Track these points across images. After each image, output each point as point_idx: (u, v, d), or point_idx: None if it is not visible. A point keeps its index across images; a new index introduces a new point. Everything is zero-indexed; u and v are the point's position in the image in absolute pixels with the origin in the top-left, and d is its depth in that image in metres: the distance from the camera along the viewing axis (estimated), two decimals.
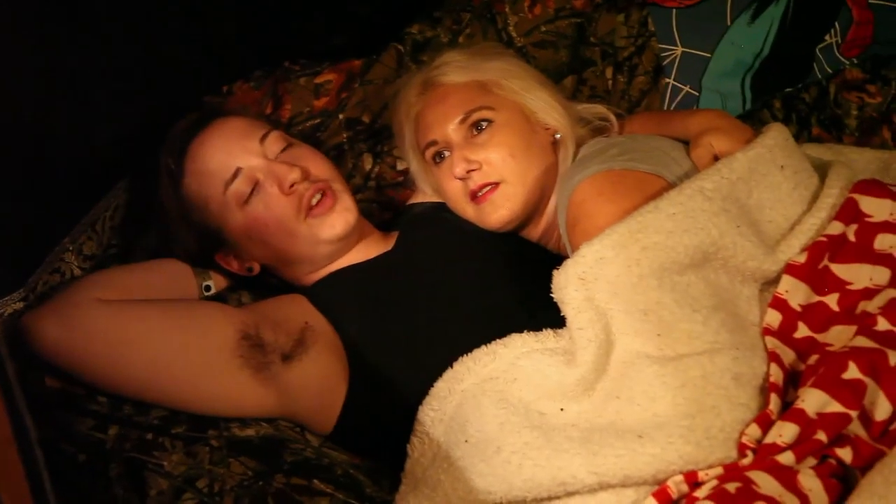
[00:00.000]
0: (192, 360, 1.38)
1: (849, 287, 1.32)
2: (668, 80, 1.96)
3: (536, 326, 1.36)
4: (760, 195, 1.39)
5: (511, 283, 1.50)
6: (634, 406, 1.23)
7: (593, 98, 1.92)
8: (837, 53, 1.95)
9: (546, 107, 1.58)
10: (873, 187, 1.40)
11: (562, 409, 1.28)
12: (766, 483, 1.09)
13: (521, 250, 1.59)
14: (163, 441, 1.34)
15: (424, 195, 1.72)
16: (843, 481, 1.12)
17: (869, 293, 1.30)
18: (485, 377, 1.34)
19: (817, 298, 1.32)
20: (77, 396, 1.36)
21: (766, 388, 1.22)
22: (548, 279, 1.31)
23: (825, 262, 1.35)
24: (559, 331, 1.34)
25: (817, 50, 1.95)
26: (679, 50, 1.95)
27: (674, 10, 1.95)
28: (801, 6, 1.93)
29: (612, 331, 1.28)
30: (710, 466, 1.16)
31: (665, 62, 1.96)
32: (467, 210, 1.57)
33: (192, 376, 1.37)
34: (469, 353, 1.37)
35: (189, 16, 1.71)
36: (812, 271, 1.34)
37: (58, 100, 1.44)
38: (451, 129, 1.55)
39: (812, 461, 1.13)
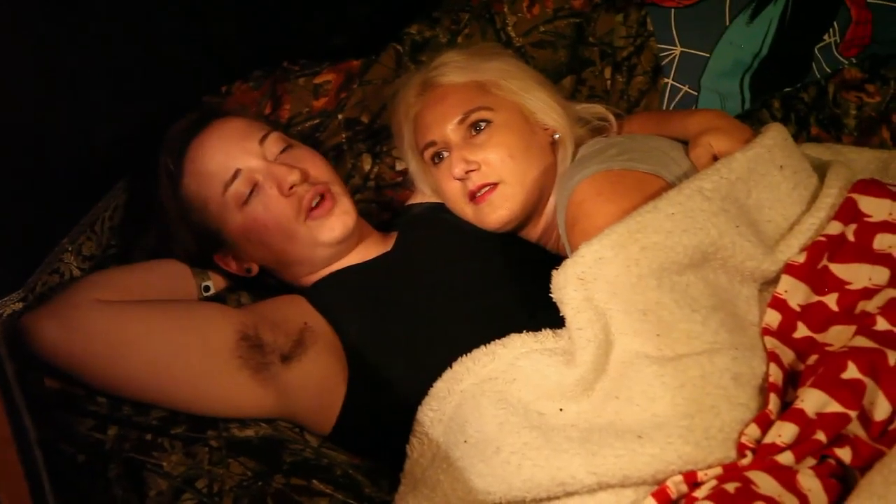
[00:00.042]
0: (192, 360, 1.37)
1: (848, 287, 1.32)
2: (666, 79, 1.96)
3: (535, 327, 1.36)
4: (759, 195, 1.39)
5: (510, 284, 1.50)
6: (633, 406, 1.23)
7: (592, 98, 1.92)
8: (836, 53, 1.95)
9: (545, 107, 1.58)
10: (872, 187, 1.40)
11: (561, 410, 1.28)
12: (765, 483, 1.09)
13: (520, 250, 1.59)
14: (162, 441, 1.34)
15: (423, 195, 1.72)
16: (842, 481, 1.12)
17: (868, 293, 1.30)
18: (484, 377, 1.34)
19: (816, 298, 1.32)
20: (76, 397, 1.36)
21: (765, 388, 1.22)
22: (547, 279, 1.31)
23: (824, 261, 1.35)
24: (558, 331, 1.34)
25: (816, 49, 1.95)
26: (678, 50, 1.95)
27: (672, 10, 1.95)
28: (800, 6, 1.93)
29: (611, 331, 1.28)
30: (710, 466, 1.16)
31: (664, 62, 1.96)
32: (466, 210, 1.57)
33: (192, 377, 1.37)
34: (468, 354, 1.37)
35: (188, 16, 1.71)
36: (811, 271, 1.34)
37: (57, 100, 1.44)
38: (450, 130, 1.55)
39: (811, 461, 1.13)
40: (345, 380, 1.44)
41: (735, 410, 1.19)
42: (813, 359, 1.23)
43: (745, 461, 1.15)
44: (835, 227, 1.37)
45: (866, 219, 1.37)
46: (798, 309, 1.32)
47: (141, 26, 1.60)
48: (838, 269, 1.33)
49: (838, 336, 1.27)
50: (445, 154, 1.56)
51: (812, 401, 1.15)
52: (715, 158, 1.44)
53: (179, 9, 1.69)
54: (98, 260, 1.57)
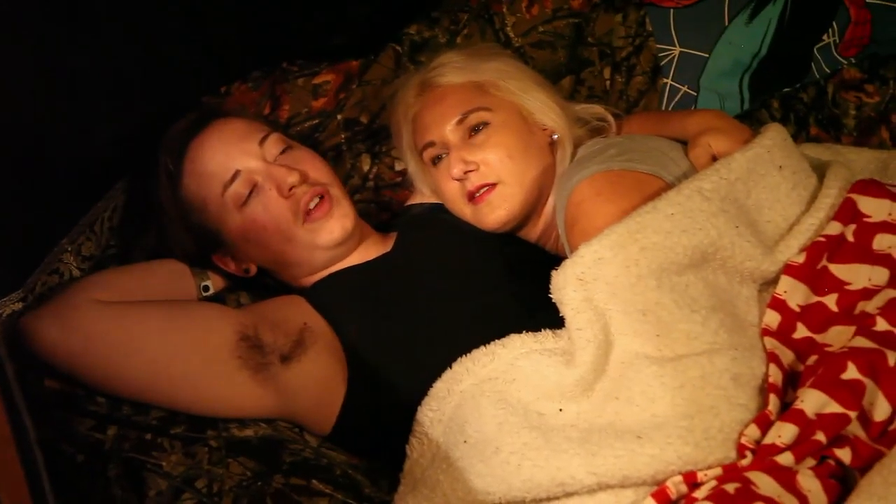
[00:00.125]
0: (191, 361, 1.38)
1: (847, 287, 1.32)
2: (665, 80, 1.96)
3: (535, 327, 1.36)
4: (759, 195, 1.39)
5: (509, 284, 1.50)
6: (633, 406, 1.23)
7: (591, 98, 1.92)
8: (835, 53, 1.95)
9: (543, 107, 1.58)
10: (871, 187, 1.40)
11: (560, 410, 1.28)
12: (765, 484, 1.09)
13: (520, 251, 1.59)
14: (161, 441, 1.34)
15: (423, 196, 1.72)
16: (841, 482, 1.12)
17: (868, 293, 1.30)
18: (483, 378, 1.34)
19: (816, 299, 1.32)
20: (76, 397, 1.36)
21: (764, 389, 1.22)
22: (546, 280, 1.31)
23: (824, 262, 1.35)
24: (558, 331, 1.34)
25: (815, 50, 1.95)
26: (677, 50, 1.95)
27: (671, 10, 1.95)
28: (799, 6, 1.93)
29: (610, 331, 1.28)
30: (709, 467, 1.16)
31: (663, 62, 1.96)
32: (465, 211, 1.57)
33: (191, 377, 1.38)
34: (468, 354, 1.37)
35: (188, 16, 1.71)
36: (811, 272, 1.34)
37: (56, 100, 1.44)
38: (449, 130, 1.55)
39: (811, 462, 1.13)
40: (344, 380, 1.44)
41: (735, 411, 1.19)
42: (812, 359, 1.23)
43: (745, 462, 1.15)
44: (834, 228, 1.37)
45: (866, 219, 1.37)
46: (797, 309, 1.32)
47: (140, 27, 1.60)
48: (838, 270, 1.34)
49: (838, 336, 1.27)
50: (444, 155, 1.56)
51: (812, 401, 1.15)
52: (714, 159, 1.44)
53: (179, 9, 1.69)
54: (97, 260, 1.57)
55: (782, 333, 1.30)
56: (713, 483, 1.13)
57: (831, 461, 1.13)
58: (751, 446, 1.16)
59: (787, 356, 1.27)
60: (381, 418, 1.44)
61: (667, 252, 1.29)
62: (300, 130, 1.81)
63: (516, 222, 1.55)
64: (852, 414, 1.14)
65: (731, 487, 1.08)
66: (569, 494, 1.21)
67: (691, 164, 1.47)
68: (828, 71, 1.96)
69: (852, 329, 1.26)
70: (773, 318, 1.32)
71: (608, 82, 1.95)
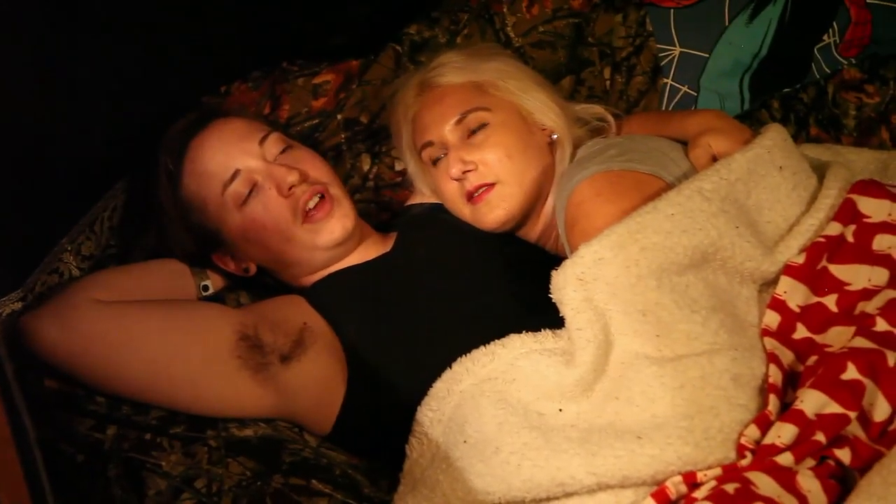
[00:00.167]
0: (191, 361, 1.38)
1: (847, 288, 1.32)
2: (666, 80, 1.96)
3: (535, 327, 1.36)
4: (759, 196, 1.39)
5: (510, 284, 1.50)
6: (633, 407, 1.23)
7: (591, 98, 1.92)
8: (835, 53, 1.95)
9: (543, 107, 1.58)
10: (871, 188, 1.40)
11: (560, 410, 1.28)
12: (764, 484, 1.09)
13: (520, 251, 1.59)
14: (161, 441, 1.34)
15: (423, 196, 1.72)
16: (841, 482, 1.12)
17: (867, 294, 1.30)
18: (483, 378, 1.34)
19: (816, 299, 1.32)
20: (75, 396, 1.36)
21: (764, 389, 1.22)
22: (546, 280, 1.31)
23: (823, 262, 1.35)
24: (558, 331, 1.34)
25: (815, 50, 1.95)
26: (677, 50, 1.95)
27: (672, 10, 1.95)
28: (799, 6, 1.93)
29: (610, 331, 1.28)
30: (709, 467, 1.16)
31: (663, 62, 1.96)
32: (464, 211, 1.57)
33: (191, 377, 1.38)
34: (467, 354, 1.37)
35: (187, 16, 1.71)
36: (810, 272, 1.34)
37: (56, 100, 1.44)
38: (448, 130, 1.55)
39: (811, 462, 1.13)
40: (344, 380, 1.44)
41: (734, 411, 1.19)
42: (812, 360, 1.23)
43: (745, 462, 1.15)
44: (834, 228, 1.37)
45: (865, 219, 1.37)
46: (797, 310, 1.32)
47: (140, 27, 1.60)
48: (837, 270, 1.33)
49: (838, 337, 1.27)
50: (443, 155, 1.56)
51: (811, 402, 1.15)
52: (714, 159, 1.44)
53: (178, 9, 1.69)
54: (97, 260, 1.57)
55: (782, 334, 1.30)
56: (713, 483, 1.13)
57: (831, 461, 1.13)
58: (750, 446, 1.16)
59: (786, 356, 1.27)
60: (380, 418, 1.44)
61: (667, 252, 1.29)
62: (300, 130, 1.81)
63: (515, 222, 1.55)
64: (852, 414, 1.14)
65: (730, 487, 1.08)
66: (569, 494, 1.21)
67: (691, 164, 1.47)
68: (828, 71, 1.96)
69: (852, 329, 1.26)
70: (772, 319, 1.32)
71: (608, 82, 1.95)
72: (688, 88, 1.96)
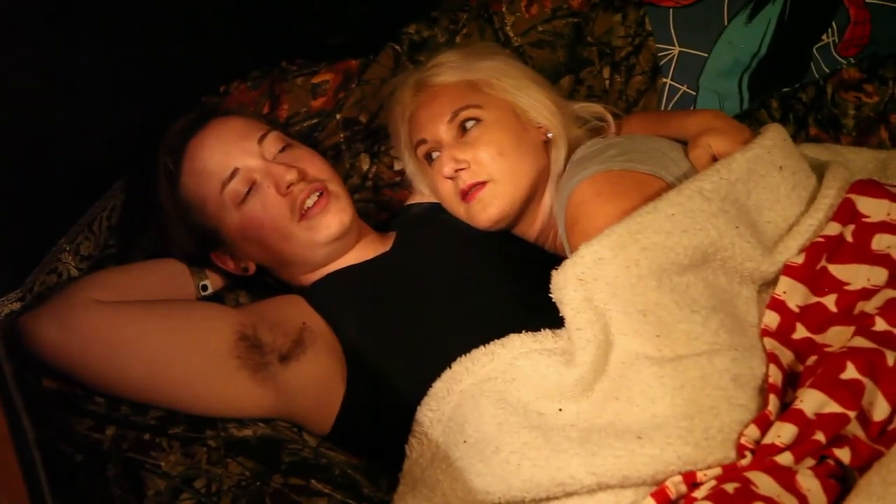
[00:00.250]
0: (190, 361, 1.37)
1: (846, 288, 1.32)
2: (665, 79, 1.96)
3: (535, 327, 1.36)
4: (759, 196, 1.39)
5: (509, 284, 1.50)
6: (633, 407, 1.23)
7: (590, 98, 1.92)
8: (835, 53, 1.95)
9: (538, 105, 1.58)
10: (870, 187, 1.40)
11: (560, 410, 1.28)
12: (764, 483, 1.09)
13: (519, 250, 1.59)
14: (160, 441, 1.34)
15: (422, 196, 1.72)
16: (841, 482, 1.12)
17: (867, 293, 1.30)
18: (483, 377, 1.34)
19: (815, 299, 1.32)
20: (74, 397, 1.36)
21: (764, 389, 1.22)
22: (546, 279, 1.31)
23: (823, 262, 1.35)
24: (558, 331, 1.34)
25: (814, 49, 1.95)
26: (676, 49, 1.95)
27: (671, 10, 1.95)
28: (799, 6, 1.93)
29: (610, 331, 1.28)
30: (709, 467, 1.16)
31: (662, 62, 1.96)
32: (459, 209, 1.57)
33: (190, 377, 1.37)
34: (467, 354, 1.37)
35: (186, 16, 1.71)
36: (810, 272, 1.34)
37: (55, 99, 1.44)
38: (441, 129, 1.55)
39: (810, 462, 1.13)
40: (344, 380, 1.44)
41: (734, 411, 1.19)
42: (812, 359, 1.23)
43: (745, 462, 1.15)
44: (833, 228, 1.37)
45: (864, 219, 1.37)
46: (797, 310, 1.32)
47: (139, 26, 1.60)
48: (837, 270, 1.33)
49: (837, 337, 1.27)
50: (437, 154, 1.56)
51: (811, 401, 1.15)
52: (714, 159, 1.44)
53: (177, 9, 1.69)
54: (96, 260, 1.57)
55: (782, 334, 1.30)
56: (713, 483, 1.13)
57: (830, 461, 1.13)
58: (750, 446, 1.16)
59: (786, 356, 1.27)
60: (380, 418, 1.44)
61: (667, 252, 1.29)
62: (299, 130, 1.81)
63: (509, 220, 1.55)
64: (851, 414, 1.14)
65: (730, 487, 1.08)
66: (568, 494, 1.21)
67: (691, 164, 1.47)
68: (827, 71, 1.96)
69: (851, 329, 1.26)
70: (772, 319, 1.32)
71: (607, 82, 1.95)
72: (687, 88, 1.96)
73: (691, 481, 1.15)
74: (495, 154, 1.51)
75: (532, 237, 1.60)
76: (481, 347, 1.36)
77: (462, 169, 1.52)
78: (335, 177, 1.59)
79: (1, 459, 0.95)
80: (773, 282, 1.36)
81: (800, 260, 1.35)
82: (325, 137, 1.83)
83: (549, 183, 1.57)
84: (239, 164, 1.51)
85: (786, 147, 1.44)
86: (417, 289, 1.50)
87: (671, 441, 1.17)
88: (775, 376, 1.22)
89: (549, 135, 1.58)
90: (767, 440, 1.14)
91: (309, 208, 1.51)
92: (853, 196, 1.39)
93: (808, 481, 1.09)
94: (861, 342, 1.21)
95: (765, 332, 1.30)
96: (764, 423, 1.17)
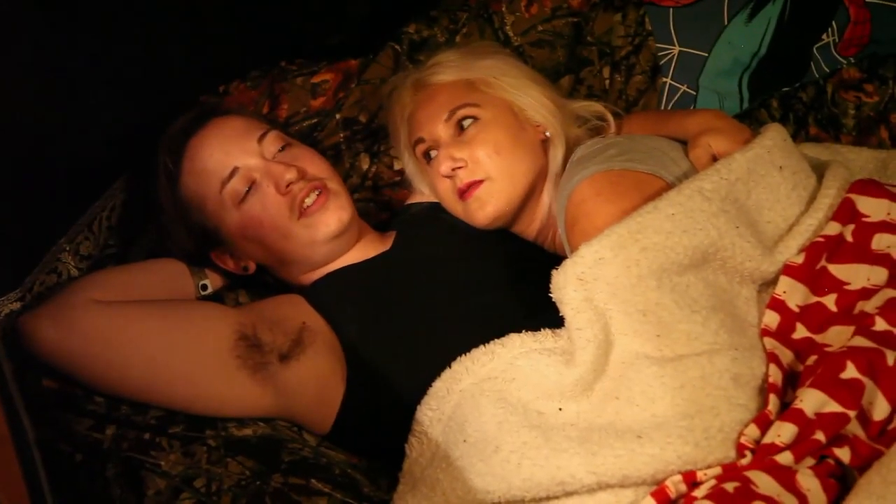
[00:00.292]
0: (190, 360, 1.37)
1: (846, 287, 1.32)
2: (665, 79, 1.96)
3: (535, 326, 1.36)
4: (759, 196, 1.39)
5: (509, 283, 1.50)
6: (633, 406, 1.23)
7: (590, 98, 1.91)
8: (835, 53, 1.95)
9: (536, 104, 1.58)
10: (870, 187, 1.40)
11: (560, 409, 1.28)
12: (764, 483, 1.09)
13: (519, 250, 1.58)
14: (160, 441, 1.34)
15: (422, 195, 1.72)
16: (841, 481, 1.12)
17: (867, 293, 1.30)
18: (483, 377, 1.34)
19: (815, 299, 1.32)
20: (74, 396, 1.36)
21: (764, 389, 1.22)
22: (546, 279, 1.30)
23: (823, 262, 1.35)
24: (558, 331, 1.34)
25: (814, 49, 1.95)
26: (676, 49, 1.95)
27: (671, 10, 1.95)
28: (799, 5, 1.93)
29: (611, 331, 1.28)
30: (709, 466, 1.16)
31: (662, 61, 1.96)
32: (457, 208, 1.57)
33: (190, 377, 1.37)
34: (467, 353, 1.37)
35: (186, 15, 1.71)
36: (810, 272, 1.34)
37: (55, 99, 1.44)
38: (439, 127, 1.55)
39: (810, 461, 1.13)
40: (343, 379, 1.44)
41: (735, 411, 1.19)
42: (812, 359, 1.23)
43: (745, 461, 1.15)
44: (833, 228, 1.37)
45: (864, 219, 1.37)
46: (797, 310, 1.32)
47: (139, 26, 1.60)
48: (837, 270, 1.33)
49: (837, 336, 1.27)
50: (435, 152, 1.56)
51: (811, 401, 1.15)
52: (714, 159, 1.44)
53: (177, 9, 1.69)
54: (96, 259, 1.57)
55: (782, 334, 1.30)
56: (713, 482, 1.13)
57: (830, 460, 1.13)
58: (750, 446, 1.16)
59: (786, 356, 1.27)
60: (380, 417, 1.44)
61: (667, 252, 1.29)
62: (299, 129, 1.81)
63: (506, 218, 1.55)
64: (851, 413, 1.14)
65: (730, 486, 1.08)
66: (568, 493, 1.21)
67: (691, 164, 1.46)
68: (827, 70, 1.96)
69: (851, 329, 1.26)
70: (772, 319, 1.32)
71: (607, 81, 1.95)
72: (687, 88, 1.96)
73: (691, 481, 1.15)
74: (492, 152, 1.51)
75: (531, 236, 1.60)
76: (481, 347, 1.36)
77: (459, 167, 1.52)
78: (335, 175, 1.59)
79: (1, 459, 0.95)
80: (773, 282, 1.36)
81: (800, 260, 1.35)
82: (324, 137, 1.83)
83: (547, 182, 1.57)
84: (238, 163, 1.51)
85: (786, 147, 1.44)
86: (417, 288, 1.50)
87: (671, 440, 1.17)
88: (775, 376, 1.22)
89: (548, 133, 1.58)
90: (767, 440, 1.14)
91: (308, 206, 1.51)
92: (853, 196, 1.39)
93: (807, 481, 1.09)
94: (861, 342, 1.21)
95: (765, 332, 1.30)
96: (764, 423, 1.17)
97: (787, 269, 1.35)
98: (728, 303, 1.32)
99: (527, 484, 1.22)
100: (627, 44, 1.95)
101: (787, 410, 1.17)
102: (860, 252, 1.34)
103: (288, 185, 1.50)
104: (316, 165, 1.56)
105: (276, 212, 1.50)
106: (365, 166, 1.84)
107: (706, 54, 1.94)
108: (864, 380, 1.16)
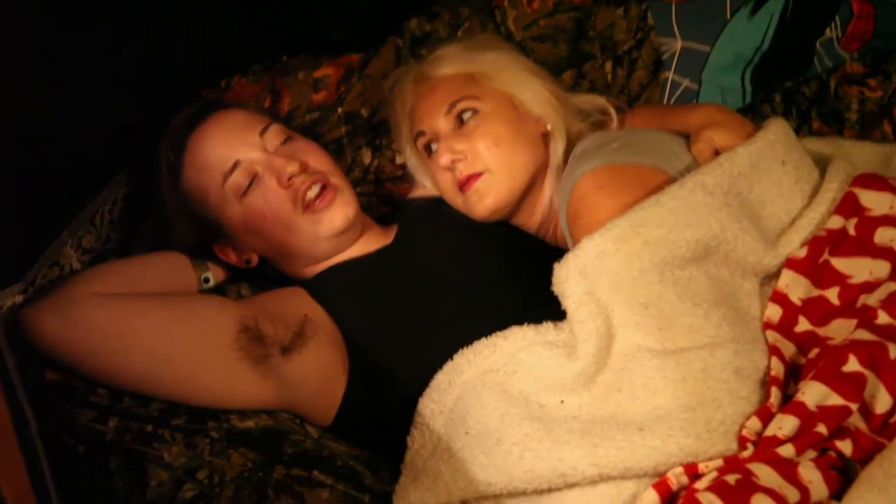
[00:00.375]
0: (192, 353, 1.38)
1: (849, 281, 1.32)
2: (667, 74, 1.96)
3: (537, 319, 1.36)
4: (762, 190, 1.38)
5: (511, 276, 1.50)
6: (635, 399, 1.23)
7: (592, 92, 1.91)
8: (838, 47, 1.95)
9: (536, 97, 1.58)
10: (873, 181, 1.40)
11: (562, 402, 1.28)
12: (766, 475, 1.09)
13: (521, 243, 1.59)
14: (163, 433, 1.34)
15: (424, 189, 1.72)
16: (842, 473, 1.13)
17: (869, 287, 1.30)
18: (485, 369, 1.34)
19: (817, 292, 1.32)
20: (77, 388, 1.36)
21: (766, 382, 1.22)
22: (548, 272, 1.31)
23: (825, 256, 1.34)
24: (559, 324, 1.34)
25: (817, 44, 1.95)
26: (678, 44, 1.95)
27: (673, 4, 1.94)
28: (801, 0, 1.93)
29: (612, 324, 1.28)
30: (711, 458, 1.16)
31: (664, 56, 1.95)
32: (457, 200, 1.57)
33: (192, 369, 1.38)
34: (469, 346, 1.37)
35: (187, 10, 1.71)
36: (812, 265, 1.34)
37: (57, 93, 1.44)
38: (439, 120, 1.56)
39: (812, 453, 1.13)
40: (345, 371, 1.45)
41: (736, 403, 1.19)
42: (814, 352, 1.23)
43: (746, 453, 1.15)
44: (836, 222, 1.37)
45: (867, 213, 1.37)
46: (799, 303, 1.32)
47: (140, 21, 1.60)
48: (839, 263, 1.33)
49: (839, 330, 1.27)
50: (435, 145, 1.57)
51: (813, 393, 1.15)
52: (717, 153, 1.44)
53: (178, 3, 1.69)
54: (98, 253, 1.57)
55: (784, 327, 1.30)
56: (714, 474, 1.13)
57: (832, 453, 1.13)
58: (752, 438, 1.16)
59: (788, 349, 1.27)
60: (382, 409, 1.44)
61: (669, 246, 1.29)
62: (301, 124, 1.81)
63: (506, 211, 1.55)
64: (853, 406, 1.14)
65: (731, 479, 1.09)
66: (570, 486, 1.21)
67: (694, 158, 1.46)
68: (830, 65, 1.95)
69: (854, 322, 1.26)
70: (774, 312, 1.32)
71: (609, 76, 1.95)
72: (689, 82, 1.95)
73: (693, 473, 1.15)
74: (492, 145, 1.51)
75: (533, 229, 1.60)
76: (483, 339, 1.36)
77: (459, 160, 1.52)
78: (337, 169, 1.59)
79: (4, 451, 0.96)
80: (775, 275, 1.36)
81: (802, 253, 1.35)
82: (326, 131, 1.83)
83: (548, 175, 1.57)
84: (240, 156, 1.51)
85: (788, 141, 1.44)
86: (419, 281, 1.51)
87: (673, 433, 1.17)
88: (777, 369, 1.22)
89: (548, 127, 1.58)
90: (769, 432, 1.15)
91: (314, 202, 1.51)
92: (856, 189, 1.39)
93: (809, 473, 1.10)
94: (863, 335, 1.21)
95: (767, 325, 1.30)
96: (766, 416, 1.17)
97: (790, 263, 1.35)
98: (730, 296, 1.32)
99: (528, 476, 1.22)
100: (630, 38, 1.95)
101: (788, 403, 1.17)
102: (863, 246, 1.34)
103: (290, 179, 1.50)
104: (318, 159, 1.56)
105: (278, 205, 1.50)
106: (367, 160, 1.84)
107: (709, 49, 1.94)
108: (867, 373, 1.16)
